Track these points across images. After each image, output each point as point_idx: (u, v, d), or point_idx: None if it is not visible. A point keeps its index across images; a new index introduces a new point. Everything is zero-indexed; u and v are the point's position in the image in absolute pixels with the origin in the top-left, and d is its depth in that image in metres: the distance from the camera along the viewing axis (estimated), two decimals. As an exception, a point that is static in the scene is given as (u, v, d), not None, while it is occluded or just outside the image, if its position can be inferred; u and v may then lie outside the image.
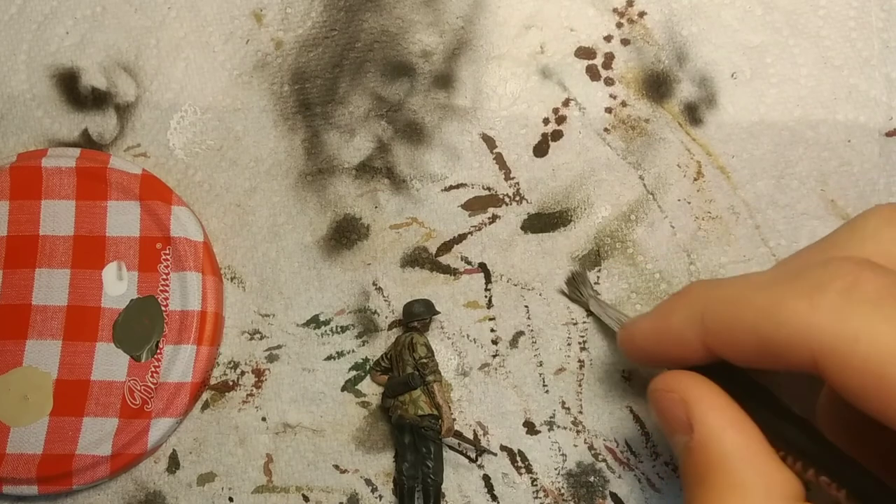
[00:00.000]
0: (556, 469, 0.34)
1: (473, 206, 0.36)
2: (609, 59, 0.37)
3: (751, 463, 0.23)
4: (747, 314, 0.23)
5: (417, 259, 0.36)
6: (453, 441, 0.34)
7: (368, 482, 0.35)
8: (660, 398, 0.26)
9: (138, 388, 0.34)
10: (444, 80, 0.37)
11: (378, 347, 0.35)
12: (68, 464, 0.34)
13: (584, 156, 0.36)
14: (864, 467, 0.23)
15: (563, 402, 0.35)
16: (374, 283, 0.36)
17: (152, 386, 0.34)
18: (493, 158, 0.36)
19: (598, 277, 0.35)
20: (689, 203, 0.36)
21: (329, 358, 0.36)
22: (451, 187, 0.36)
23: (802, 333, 0.22)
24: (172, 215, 0.35)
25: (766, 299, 0.23)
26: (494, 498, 0.34)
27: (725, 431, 0.24)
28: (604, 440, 0.34)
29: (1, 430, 0.34)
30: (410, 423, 0.33)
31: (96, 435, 0.34)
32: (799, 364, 0.22)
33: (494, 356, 0.35)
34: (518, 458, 0.35)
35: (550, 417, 0.35)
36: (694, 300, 0.26)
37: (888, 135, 0.36)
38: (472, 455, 0.35)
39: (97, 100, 0.37)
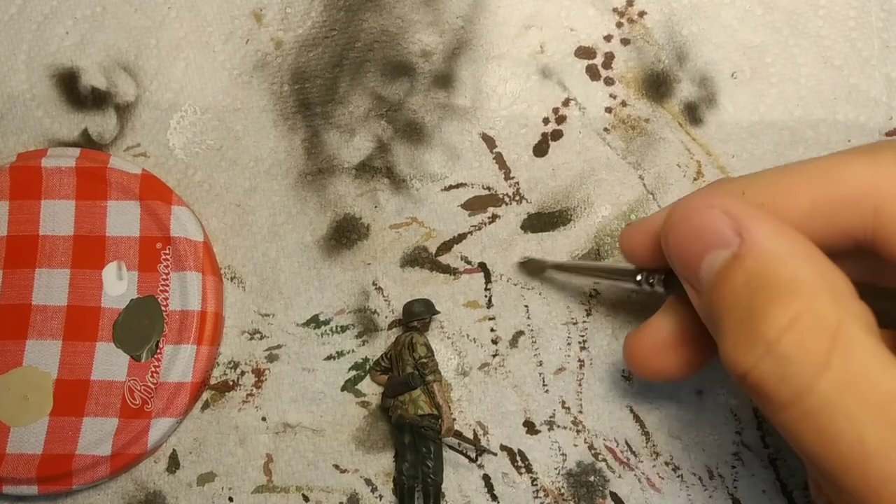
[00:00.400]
0: (556, 469, 0.34)
1: (473, 205, 0.36)
2: (609, 58, 0.37)
3: (815, 266, 0.22)
4: (801, 179, 0.24)
5: (417, 259, 0.36)
6: (453, 441, 0.34)
7: (368, 482, 0.35)
8: (694, 215, 0.24)
9: (138, 387, 0.34)
10: (444, 80, 0.37)
11: (378, 347, 0.35)
12: (68, 464, 0.34)
13: (584, 155, 0.36)
14: None
15: (563, 402, 0.35)
16: (374, 283, 0.36)
17: (152, 386, 0.34)
18: (493, 158, 0.36)
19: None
20: (689, 203, 0.36)
21: (329, 358, 0.36)
22: (451, 187, 0.36)
23: (863, 187, 0.22)
24: (172, 215, 0.35)
25: (823, 162, 0.23)
26: (494, 498, 0.34)
27: (784, 239, 0.22)
28: (604, 440, 0.34)
29: (1, 430, 0.34)
30: (410, 423, 0.33)
31: (96, 435, 0.34)
32: (856, 223, 0.22)
33: (494, 356, 0.35)
34: (518, 458, 0.35)
35: (550, 417, 0.35)
36: (729, 184, 0.25)
37: (888, 135, 0.36)
38: (472, 455, 0.35)
39: (97, 100, 0.37)
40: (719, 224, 0.23)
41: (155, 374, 0.34)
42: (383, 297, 0.36)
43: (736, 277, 0.23)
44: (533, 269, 0.35)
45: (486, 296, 0.36)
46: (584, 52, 0.37)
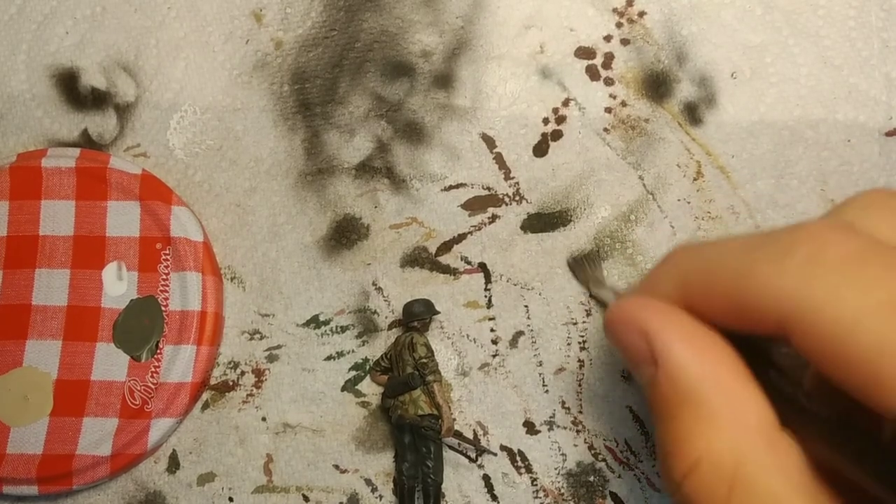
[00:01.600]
0: (556, 469, 0.34)
1: (473, 205, 0.36)
2: (609, 58, 0.37)
3: (719, 393, 0.22)
4: (721, 279, 0.23)
5: (417, 259, 0.36)
6: (453, 441, 0.34)
7: (368, 482, 0.35)
8: (617, 331, 0.25)
9: (138, 388, 0.34)
10: (444, 80, 0.37)
11: (378, 347, 0.36)
12: (68, 464, 0.34)
13: (583, 156, 0.36)
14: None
15: (563, 402, 0.35)
16: (374, 283, 0.36)
17: (152, 386, 0.34)
18: (493, 158, 0.36)
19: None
20: (689, 203, 0.36)
21: (329, 358, 0.36)
22: (451, 187, 0.36)
23: (769, 298, 0.21)
24: (172, 215, 0.35)
25: (739, 264, 0.23)
26: (494, 498, 0.34)
27: (691, 363, 0.23)
28: (604, 440, 0.35)
29: (1, 430, 0.34)
30: (410, 423, 0.33)
31: (96, 435, 0.34)
32: (768, 329, 0.22)
33: (494, 356, 0.35)
34: (518, 458, 0.35)
35: (550, 417, 0.35)
36: (677, 266, 0.25)
37: (888, 134, 0.36)
38: (472, 455, 0.35)
39: (97, 100, 0.37)
40: (637, 342, 0.24)
41: (155, 375, 0.34)
42: (383, 297, 0.36)
43: (656, 398, 0.23)
44: (578, 269, 0.35)
45: (486, 296, 0.36)
46: (584, 53, 0.37)
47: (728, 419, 0.22)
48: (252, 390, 0.36)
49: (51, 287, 0.35)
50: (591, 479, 0.34)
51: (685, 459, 0.22)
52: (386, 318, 0.36)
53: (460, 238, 0.36)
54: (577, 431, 0.35)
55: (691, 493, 0.22)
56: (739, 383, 0.23)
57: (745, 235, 0.25)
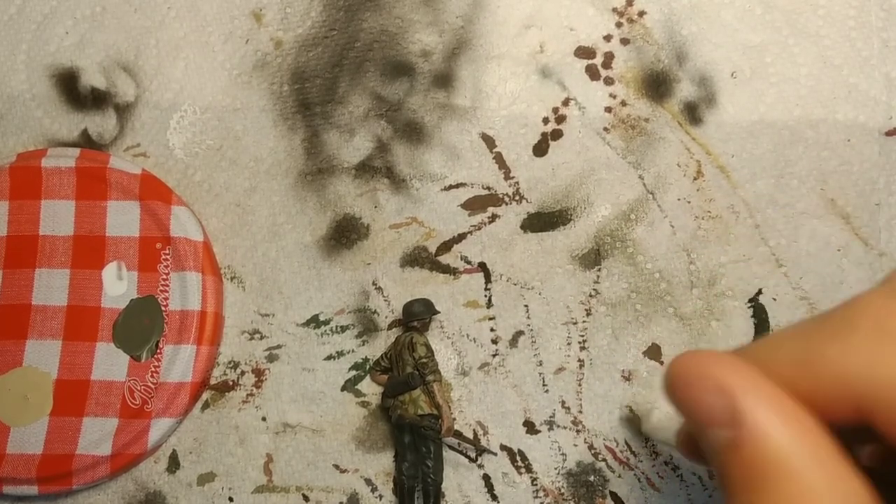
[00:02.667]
0: (556, 468, 0.34)
1: (473, 205, 0.36)
2: (609, 58, 0.37)
3: (817, 466, 0.19)
4: (782, 371, 0.21)
5: (417, 259, 0.36)
6: (453, 441, 0.34)
7: (368, 482, 0.35)
8: (685, 385, 0.22)
9: (138, 388, 0.34)
10: (444, 80, 0.37)
11: (378, 347, 0.35)
12: (68, 464, 0.34)
13: (583, 155, 0.36)
14: None
15: (563, 402, 0.35)
16: (374, 283, 0.36)
17: (152, 386, 0.34)
18: (493, 158, 0.36)
19: (598, 276, 0.35)
20: (689, 202, 0.36)
21: (329, 358, 0.36)
22: (451, 187, 0.36)
23: (841, 380, 0.19)
24: (172, 215, 0.35)
25: (799, 351, 0.21)
26: (494, 497, 0.34)
27: (784, 430, 0.20)
28: (604, 440, 0.34)
29: (1, 430, 0.34)
30: (410, 423, 0.33)
31: (96, 435, 0.34)
32: (845, 416, 0.20)
33: (494, 356, 0.35)
34: (518, 458, 0.35)
35: (550, 417, 0.35)
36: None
37: (888, 134, 0.36)
38: (472, 455, 0.35)
39: (97, 100, 0.37)
40: (714, 400, 0.21)
41: (155, 374, 0.34)
42: (383, 297, 0.36)
43: (735, 469, 0.20)
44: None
45: (486, 296, 0.36)
46: (584, 52, 0.37)
47: (831, 498, 0.19)
48: (252, 390, 0.36)
49: (51, 287, 0.35)
50: (591, 478, 0.34)
51: None
52: (386, 317, 0.36)
53: (460, 238, 0.36)
54: (577, 431, 0.35)
55: None
56: (837, 458, 0.20)
57: (795, 324, 0.22)
